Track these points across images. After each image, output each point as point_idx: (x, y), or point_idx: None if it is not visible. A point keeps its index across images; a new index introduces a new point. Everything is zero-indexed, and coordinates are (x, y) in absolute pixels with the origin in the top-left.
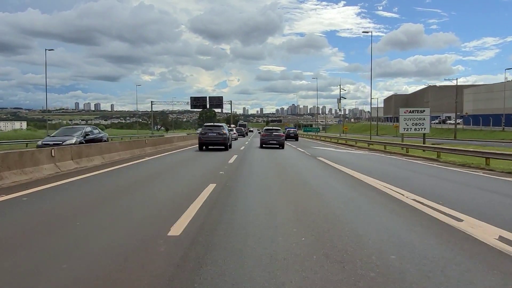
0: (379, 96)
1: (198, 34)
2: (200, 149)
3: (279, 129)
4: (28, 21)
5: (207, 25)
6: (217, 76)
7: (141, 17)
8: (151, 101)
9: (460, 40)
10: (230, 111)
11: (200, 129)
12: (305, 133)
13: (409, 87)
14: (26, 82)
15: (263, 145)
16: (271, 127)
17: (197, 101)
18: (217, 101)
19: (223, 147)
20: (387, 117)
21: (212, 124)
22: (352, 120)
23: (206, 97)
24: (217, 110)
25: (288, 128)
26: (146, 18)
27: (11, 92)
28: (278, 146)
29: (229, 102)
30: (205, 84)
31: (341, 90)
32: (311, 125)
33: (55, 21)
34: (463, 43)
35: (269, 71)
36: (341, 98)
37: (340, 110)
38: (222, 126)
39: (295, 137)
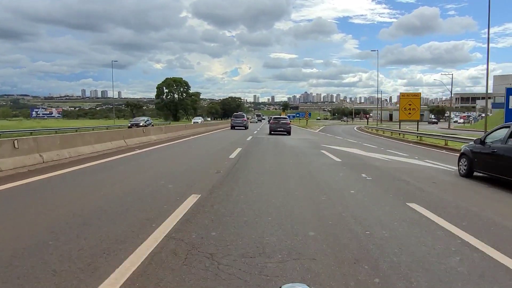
0: (393, 85)
1: (202, 19)
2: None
3: (286, 118)
4: (31, 6)
5: (212, 10)
6: (228, 64)
7: (145, 2)
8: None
9: (478, 25)
10: None
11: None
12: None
13: (424, 75)
14: (37, 70)
15: (272, 132)
16: (279, 116)
17: None
18: None
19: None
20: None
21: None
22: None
23: None
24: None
25: None
26: (150, 3)
27: (25, 80)
28: (285, 133)
29: None
30: (216, 72)
31: None
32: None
33: (57, 6)
34: (483, 29)
35: (279, 58)
36: None
37: None
38: (244, 115)
39: None
